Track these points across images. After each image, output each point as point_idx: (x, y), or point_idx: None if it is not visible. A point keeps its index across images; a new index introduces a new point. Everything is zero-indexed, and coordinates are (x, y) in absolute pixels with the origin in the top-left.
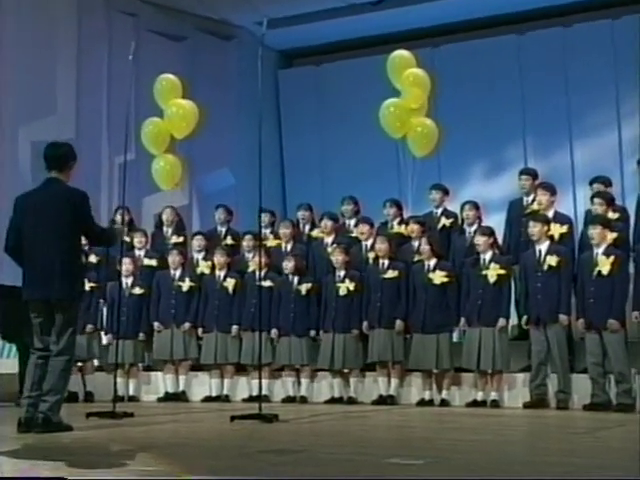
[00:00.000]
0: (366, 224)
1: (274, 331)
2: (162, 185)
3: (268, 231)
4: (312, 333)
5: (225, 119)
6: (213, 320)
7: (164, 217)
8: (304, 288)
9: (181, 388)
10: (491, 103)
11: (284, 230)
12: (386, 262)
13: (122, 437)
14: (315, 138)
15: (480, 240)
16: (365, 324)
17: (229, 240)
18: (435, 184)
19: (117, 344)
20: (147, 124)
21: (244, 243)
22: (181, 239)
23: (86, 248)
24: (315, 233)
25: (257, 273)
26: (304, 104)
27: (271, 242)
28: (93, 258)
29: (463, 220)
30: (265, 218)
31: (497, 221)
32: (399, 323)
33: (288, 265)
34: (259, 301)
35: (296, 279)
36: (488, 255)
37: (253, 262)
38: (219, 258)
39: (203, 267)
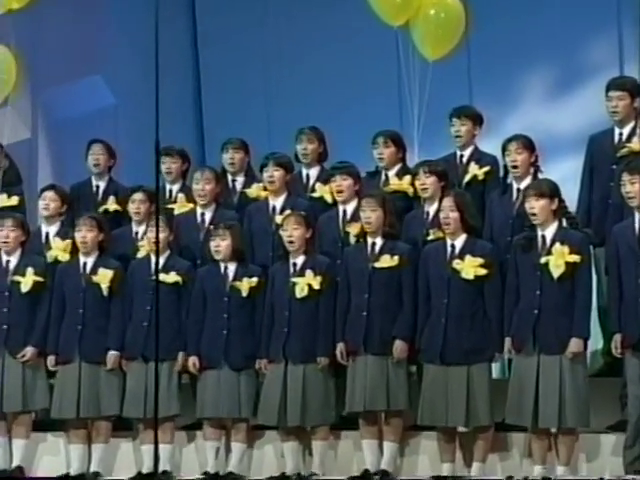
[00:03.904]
0: (346, 176)
1: (193, 360)
2: None
3: (175, 188)
4: (260, 364)
5: None
6: (74, 342)
7: None
8: (246, 285)
9: (17, 462)
10: None
11: (202, 185)
12: (378, 241)
13: None
14: (255, 29)
15: (535, 205)
16: (340, 347)
17: (111, 203)
18: (460, 107)
19: None
20: None
21: (131, 207)
22: (14, 201)
23: None
24: (254, 190)
25: (153, 259)
26: None
27: (180, 208)
28: None
29: (507, 169)
30: (172, 165)
31: (568, 170)
32: (400, 346)
33: (220, 245)
34: (155, 308)
35: (231, 269)
36: (550, 230)
37: (146, 240)
38: (84, 234)
39: (58, 250)
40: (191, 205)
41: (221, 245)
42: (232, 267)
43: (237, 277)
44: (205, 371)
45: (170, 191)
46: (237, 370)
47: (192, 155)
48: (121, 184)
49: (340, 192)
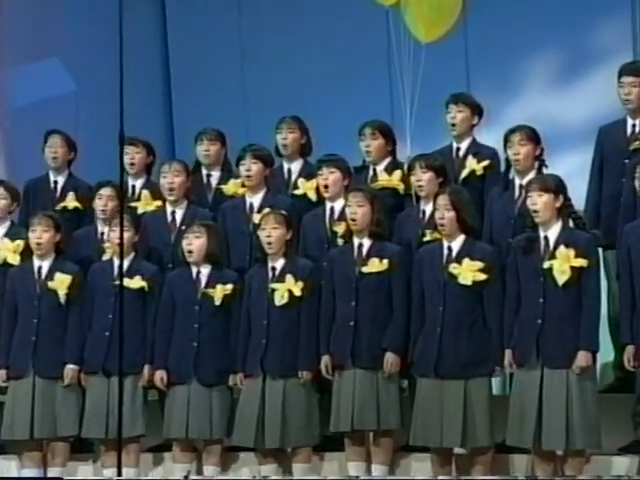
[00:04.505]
0: (333, 169)
1: (160, 374)
2: None
3: (139, 183)
4: (234, 380)
5: None
6: (27, 355)
7: None
8: (219, 293)
9: None
10: None
11: (170, 178)
12: (365, 242)
13: None
14: (229, 8)
15: (538, 200)
16: (325, 360)
17: (70, 200)
18: (458, 93)
19: None
20: None
21: (98, 204)
22: None
23: None
24: (230, 186)
25: (116, 262)
26: None
27: (144, 206)
28: None
29: (508, 163)
30: (135, 155)
31: (575, 165)
32: (391, 359)
33: (193, 244)
34: (120, 315)
35: (204, 274)
36: (554, 230)
37: (111, 242)
38: (39, 235)
39: (7, 251)
40: (157, 202)
41: (194, 244)
42: (205, 271)
43: (210, 283)
44: (173, 387)
45: (133, 187)
46: (208, 386)
47: (161, 149)
48: (82, 180)
49: (327, 187)
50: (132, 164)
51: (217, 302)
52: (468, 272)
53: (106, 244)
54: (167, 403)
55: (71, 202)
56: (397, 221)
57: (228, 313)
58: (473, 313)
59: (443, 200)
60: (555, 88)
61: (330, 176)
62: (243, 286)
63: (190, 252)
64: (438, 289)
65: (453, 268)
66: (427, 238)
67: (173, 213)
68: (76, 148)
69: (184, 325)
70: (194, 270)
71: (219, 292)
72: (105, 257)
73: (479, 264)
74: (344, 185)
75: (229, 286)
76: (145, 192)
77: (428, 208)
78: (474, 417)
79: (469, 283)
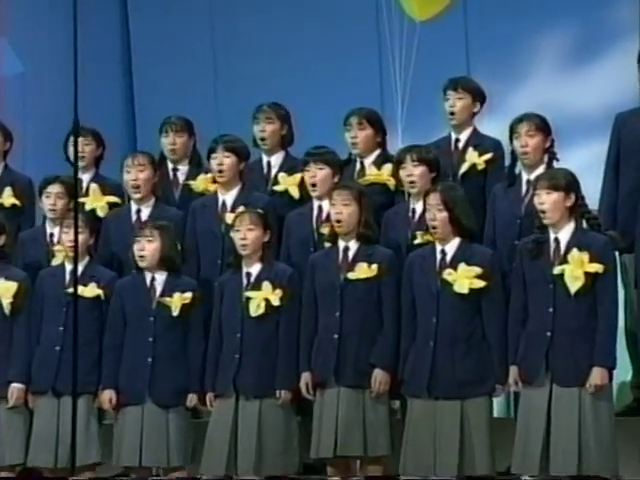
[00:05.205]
0: (322, 165)
1: (108, 394)
2: None
3: (87, 177)
4: (192, 400)
5: None
6: None
7: None
8: (177, 302)
9: None
10: None
11: (135, 174)
12: (352, 245)
13: None
14: None
15: (546, 199)
16: (305, 377)
17: (7, 197)
18: (458, 78)
19: None
20: None
21: (46, 202)
22: None
23: None
24: (200, 182)
25: (68, 268)
26: None
27: (93, 202)
28: None
29: (514, 156)
30: (84, 147)
31: (588, 158)
32: (380, 376)
33: (145, 249)
34: (73, 327)
35: (159, 281)
36: (565, 232)
37: (62, 245)
38: None
39: None
40: (108, 198)
41: (146, 249)
42: (160, 278)
43: (167, 291)
44: (124, 408)
45: (80, 181)
46: (165, 407)
47: (121, 140)
48: (20, 173)
49: (314, 185)
50: (81, 157)
51: (175, 313)
52: (464, 279)
53: (56, 247)
54: (117, 427)
55: (8, 198)
56: (384, 220)
57: (187, 325)
58: (470, 325)
59: (434, 199)
60: (565, 71)
61: (318, 173)
62: (204, 295)
63: (142, 257)
64: (431, 298)
65: (447, 274)
66: (418, 241)
67: (138, 212)
68: (12, 137)
69: (137, 339)
70: (148, 277)
71: (177, 301)
72: (56, 262)
73: (477, 270)
74: (334, 182)
75: (188, 295)
76: (94, 186)
77: (419, 206)
78: (472, 442)
79: (465, 291)
